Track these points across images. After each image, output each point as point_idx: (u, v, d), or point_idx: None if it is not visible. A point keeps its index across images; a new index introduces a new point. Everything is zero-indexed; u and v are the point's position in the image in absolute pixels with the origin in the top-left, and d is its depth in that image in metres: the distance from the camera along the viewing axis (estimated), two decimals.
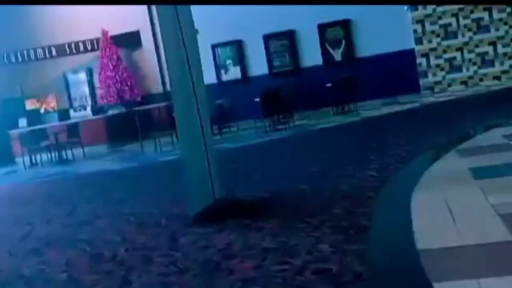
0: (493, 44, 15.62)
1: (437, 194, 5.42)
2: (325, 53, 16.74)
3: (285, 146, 10.92)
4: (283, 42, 16.95)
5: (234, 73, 17.35)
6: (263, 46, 17.05)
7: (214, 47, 17.37)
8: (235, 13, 16.80)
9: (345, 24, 16.55)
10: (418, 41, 16.05)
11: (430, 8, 15.89)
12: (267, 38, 16.99)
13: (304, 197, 6.52)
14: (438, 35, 15.93)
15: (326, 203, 5.92)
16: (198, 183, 6.23)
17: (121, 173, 11.04)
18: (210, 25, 16.71)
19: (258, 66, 17.10)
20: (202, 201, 6.20)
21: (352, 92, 14.48)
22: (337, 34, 16.64)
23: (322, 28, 16.65)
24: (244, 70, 17.30)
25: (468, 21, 15.70)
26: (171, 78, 6.31)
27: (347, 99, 14.67)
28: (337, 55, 16.72)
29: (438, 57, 15.99)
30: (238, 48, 17.24)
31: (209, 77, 16.99)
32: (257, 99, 13.36)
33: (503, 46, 15.56)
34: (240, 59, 17.27)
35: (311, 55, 16.77)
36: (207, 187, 6.27)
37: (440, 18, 15.87)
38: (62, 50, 18.30)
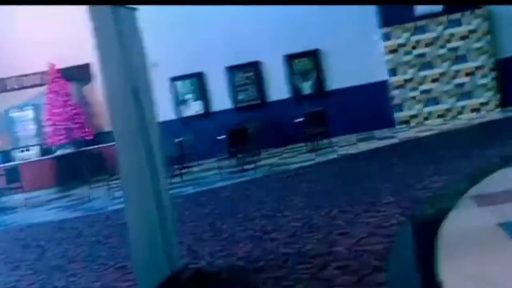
0: (471, 74, 14.52)
1: (473, 268, 3.96)
2: (293, 85, 15.39)
3: (255, 191, 9.37)
4: (248, 74, 15.53)
5: (195, 108, 15.81)
6: (226, 78, 15.62)
7: (173, 80, 15.84)
8: (196, 44, 15.38)
9: (314, 55, 15.26)
10: (392, 72, 14.85)
11: (404, 37, 14.74)
12: (230, 70, 15.56)
13: (286, 263, 4.98)
14: (413, 66, 14.77)
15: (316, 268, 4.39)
16: (147, 251, 4.63)
17: (61, 226, 9.30)
18: (169, 57, 15.29)
19: (221, 100, 15.62)
20: (154, 276, 4.59)
21: (325, 127, 13.10)
22: (305, 65, 15.34)
23: (290, 59, 15.32)
24: (206, 105, 15.79)
25: (444, 51, 14.60)
26: (112, 115, 4.70)
27: (320, 135, 13.28)
28: (306, 87, 15.39)
29: (413, 89, 14.80)
30: (199, 81, 15.74)
31: (168, 113, 15.53)
32: (221, 136, 11.83)
33: (482, 76, 14.48)
34: (202, 93, 15.77)
35: (278, 88, 15.39)
36: (158, 257, 4.67)
37: (414, 47, 14.73)
38: (5, 85, 16.48)
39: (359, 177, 8.61)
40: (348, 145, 13.07)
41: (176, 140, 13.45)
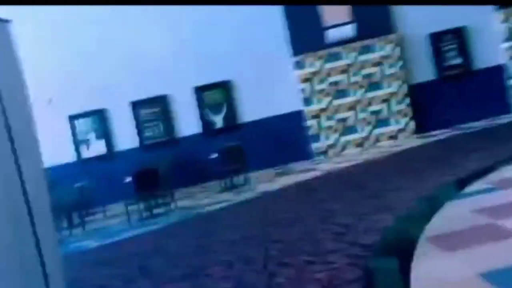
0: (386, 101, 13.96)
1: None
2: (204, 119, 14.22)
3: (169, 242, 8.00)
4: (154, 109, 14.20)
5: (97, 148, 14.24)
6: (131, 115, 14.21)
7: (72, 118, 14.23)
8: (97, 78, 13.91)
9: (225, 86, 14.20)
10: (307, 101, 14.04)
11: (317, 65, 14.01)
12: (135, 106, 14.18)
13: None
14: (327, 94, 14.04)
15: None
16: None
17: None
18: (67, 92, 13.76)
19: (127, 138, 14.17)
20: None
21: (241, 162, 12.00)
22: (216, 97, 14.23)
23: (199, 91, 14.17)
24: (109, 144, 14.27)
25: (358, 78, 13.98)
26: None
27: (236, 171, 12.14)
28: (219, 121, 14.26)
29: (329, 118, 14.04)
30: (101, 119, 14.23)
31: (67, 154, 13.92)
32: (129, 179, 10.41)
33: (397, 103, 13.95)
34: (104, 131, 14.25)
35: (188, 123, 14.16)
36: None
37: (328, 75, 14.02)
38: None
39: (288, 219, 7.50)
40: (267, 181, 12.00)
41: (76, 185, 11.86)
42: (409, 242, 5.07)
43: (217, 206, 9.99)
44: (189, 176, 13.60)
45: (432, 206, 6.54)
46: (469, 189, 6.84)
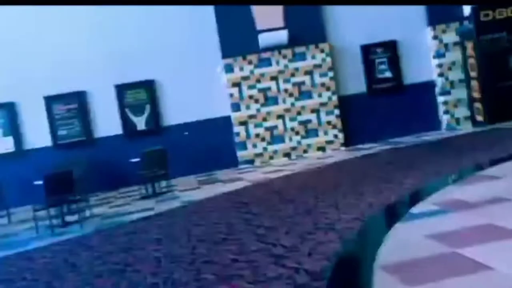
0: (316, 111, 13.51)
1: None
2: (125, 120, 13.21)
3: (83, 257, 7.03)
4: (71, 105, 13.05)
5: (4, 145, 12.90)
6: (44, 110, 12.97)
7: None
8: (7, 70, 12.61)
9: (150, 86, 13.28)
10: (235, 107, 13.35)
11: (247, 70, 13.36)
12: (49, 101, 12.97)
13: None
14: (257, 100, 13.41)
15: None
16: None
17: None
18: None
19: (38, 136, 12.92)
20: None
21: (165, 168, 11.14)
22: (139, 97, 13.27)
23: (121, 90, 13.17)
24: (18, 142, 12.96)
25: (289, 85, 13.45)
26: None
27: (158, 177, 11.24)
28: (141, 122, 13.29)
29: (257, 125, 13.41)
30: (9, 113, 12.90)
31: None
32: (39, 181, 9.28)
33: (327, 113, 13.53)
34: (13, 127, 12.92)
35: (108, 123, 13.11)
36: None
37: (258, 81, 13.40)
38: None
39: (218, 235, 6.75)
40: (191, 189, 11.19)
41: None
42: (365, 271, 4.47)
43: (138, 215, 9.07)
44: (107, 180, 12.58)
45: (379, 228, 6.02)
46: (415, 209, 6.36)
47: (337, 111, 13.56)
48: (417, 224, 5.75)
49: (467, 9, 13.54)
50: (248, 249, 5.84)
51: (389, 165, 10.12)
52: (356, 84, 13.82)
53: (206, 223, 7.64)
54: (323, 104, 13.54)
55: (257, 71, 13.37)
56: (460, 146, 11.35)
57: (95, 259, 6.68)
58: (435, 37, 13.82)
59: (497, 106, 13.13)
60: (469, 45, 13.45)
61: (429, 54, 13.93)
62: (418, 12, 13.81)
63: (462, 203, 6.31)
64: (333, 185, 8.77)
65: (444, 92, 13.90)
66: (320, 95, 13.53)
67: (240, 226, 7.04)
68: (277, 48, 13.36)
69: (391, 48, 13.87)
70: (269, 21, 13.23)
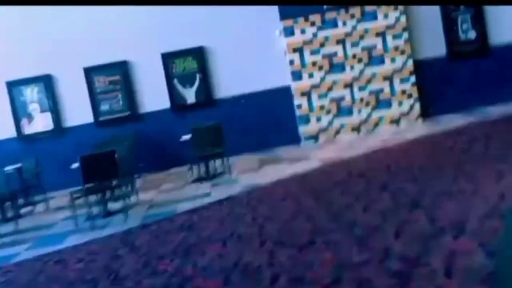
0: (388, 79, 11.68)
1: None
2: (173, 92, 11.67)
3: (123, 260, 5.56)
4: (113, 77, 11.57)
5: (42, 122, 11.56)
6: (84, 83, 11.55)
7: (11, 84, 11.50)
8: (45, 40, 11.25)
9: (199, 53, 11.66)
10: (296, 75, 11.63)
11: (310, 32, 11.60)
12: (89, 72, 11.52)
13: None
14: (320, 68, 11.66)
15: None
16: None
17: None
18: (5, 55, 11.11)
19: (79, 111, 11.52)
20: None
21: (220, 146, 9.57)
22: (188, 66, 11.69)
23: (167, 59, 11.61)
24: (57, 118, 11.59)
25: (357, 50, 11.64)
26: None
27: (213, 156, 9.69)
28: (190, 95, 11.74)
29: (322, 96, 11.68)
30: (47, 87, 11.51)
31: (3, 129, 11.27)
32: (76, 164, 7.86)
33: (400, 81, 11.68)
34: (51, 102, 11.55)
35: (154, 96, 11.59)
36: None
37: (322, 45, 11.62)
38: None
39: (302, 236, 5.15)
40: (250, 170, 9.63)
41: (10, 167, 9.26)
42: None
43: (192, 204, 7.56)
44: (154, 161, 11.15)
45: None
46: None
47: (412, 78, 11.68)
48: None
49: None
50: (351, 260, 4.23)
51: (490, 141, 8.26)
52: (435, 46, 11.85)
53: (279, 216, 6.03)
54: (396, 71, 11.68)
55: (321, 34, 11.59)
56: None
57: (142, 266, 5.18)
58: None
59: None
60: None
61: None
62: None
63: None
64: (430, 167, 7.03)
65: None
66: (393, 60, 11.65)
67: (328, 223, 5.41)
68: (343, 7, 11.54)
69: (474, 4, 11.86)
70: None
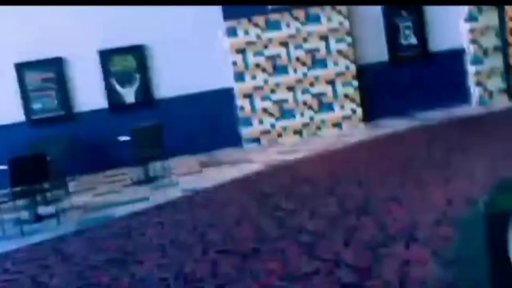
0: (331, 82, 11.61)
1: None
2: (111, 91, 11.19)
3: (53, 272, 5.14)
4: (46, 74, 10.97)
5: None
6: (15, 81, 10.89)
7: None
8: None
9: (138, 52, 11.23)
10: (238, 77, 11.39)
11: (253, 34, 11.39)
12: (20, 68, 10.88)
13: None
14: (264, 70, 11.46)
15: None
16: None
17: None
18: None
19: (8, 110, 10.85)
20: None
21: (160, 147, 9.18)
22: (127, 65, 11.24)
23: (106, 57, 11.12)
24: None
25: (301, 52, 11.50)
26: None
27: (153, 158, 9.29)
28: (129, 94, 11.29)
29: (264, 98, 11.48)
30: None
31: None
32: (2, 167, 7.31)
33: (343, 85, 11.63)
34: None
35: (90, 95, 11.07)
36: None
37: (266, 47, 11.44)
38: None
39: (247, 244, 4.89)
40: (191, 172, 9.30)
41: None
42: None
43: (130, 208, 7.17)
44: (90, 162, 10.63)
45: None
46: None
47: (355, 82, 11.67)
48: None
49: None
50: (299, 270, 4.00)
51: (434, 145, 8.26)
52: (378, 51, 11.91)
53: (222, 222, 5.75)
54: (339, 74, 11.63)
55: (265, 36, 11.39)
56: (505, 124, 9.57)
57: (75, 277, 4.78)
58: None
59: None
60: (508, 6, 11.60)
61: (459, 18, 12.06)
62: None
63: None
64: (376, 172, 6.92)
65: (476, 61, 12.06)
66: (336, 64, 11.61)
67: (273, 229, 5.17)
68: (286, 8, 11.38)
69: (416, 10, 11.97)
70: None
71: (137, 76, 11.22)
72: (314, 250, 4.37)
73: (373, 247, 4.19)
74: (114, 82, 11.15)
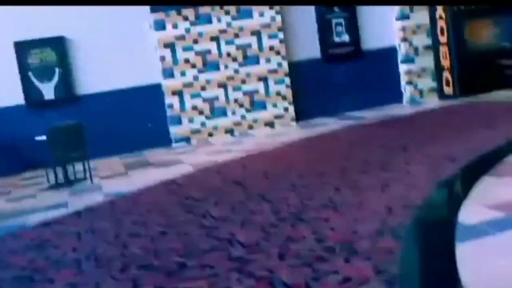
0: (263, 79, 11.25)
1: None
2: (28, 87, 10.38)
3: None
4: None
5: None
6: None
7: None
8: None
9: (58, 44, 10.47)
10: (167, 73, 10.83)
11: (183, 27, 10.85)
12: None
13: None
14: (194, 66, 10.96)
15: None
16: None
17: None
18: None
19: None
20: None
21: (82, 148, 8.50)
22: (46, 58, 10.46)
23: (22, 48, 10.30)
24: None
25: (232, 48, 11.08)
26: None
27: (73, 159, 8.60)
28: (49, 90, 10.51)
29: (194, 95, 10.99)
30: None
31: None
32: None
33: (276, 82, 11.30)
34: None
35: (5, 90, 10.22)
36: None
37: (196, 42, 10.94)
38: None
39: (172, 256, 4.42)
40: (115, 175, 8.70)
41: None
42: None
43: (44, 215, 6.51)
44: (4, 164, 9.80)
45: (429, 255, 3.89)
46: (468, 218, 4.29)
47: (287, 80, 11.37)
48: (489, 246, 3.69)
49: None
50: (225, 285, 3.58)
51: (369, 147, 8.02)
52: (310, 48, 11.66)
53: (146, 232, 5.24)
54: (271, 71, 11.29)
55: (194, 30, 10.90)
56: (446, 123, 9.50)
57: None
58: None
59: (469, 77, 11.40)
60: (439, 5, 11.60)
61: (392, 16, 11.99)
62: None
63: None
64: (311, 175, 6.59)
65: (407, 60, 12.02)
66: (268, 61, 11.27)
67: (201, 241, 4.71)
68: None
69: (349, 7, 11.78)
70: None
71: (57, 70, 10.46)
72: (247, 265, 3.95)
73: (310, 261, 3.82)
74: (31, 76, 10.34)
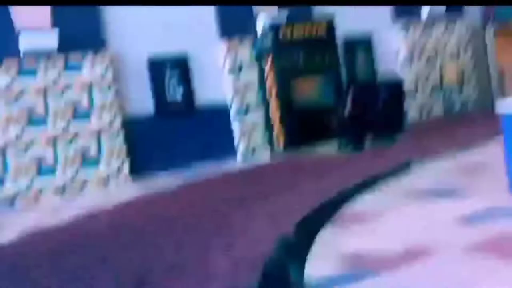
0: (96, 136, 10.78)
1: None
2: None
3: None
4: None
5: None
6: None
7: None
8: None
9: None
10: None
11: (4, 81, 10.06)
12: None
13: None
14: (17, 121, 10.17)
15: None
16: None
17: None
18: None
19: None
20: None
21: None
22: None
23: None
24: None
25: (60, 103, 10.49)
26: None
27: None
28: None
29: (20, 152, 10.16)
30: None
31: None
32: None
33: (109, 139, 10.88)
34: None
35: None
36: None
37: (20, 96, 10.17)
38: None
39: None
40: None
41: None
42: None
43: None
44: None
45: None
46: (316, 271, 4.33)
47: (121, 136, 11.02)
48: None
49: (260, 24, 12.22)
50: None
51: (206, 206, 7.84)
52: (143, 103, 11.43)
53: None
54: (104, 127, 10.87)
55: (18, 84, 10.17)
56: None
57: None
58: (228, 52, 12.13)
59: (296, 131, 11.96)
60: (267, 62, 12.12)
61: (224, 71, 12.26)
62: (210, 23, 12.04)
63: (376, 261, 4.47)
64: (150, 237, 6.31)
65: (240, 116, 12.27)
66: (100, 116, 10.84)
67: None
68: (44, 54, 10.35)
69: (182, 62, 11.83)
70: (34, 19, 10.21)
71: None
72: None
73: None
74: None
